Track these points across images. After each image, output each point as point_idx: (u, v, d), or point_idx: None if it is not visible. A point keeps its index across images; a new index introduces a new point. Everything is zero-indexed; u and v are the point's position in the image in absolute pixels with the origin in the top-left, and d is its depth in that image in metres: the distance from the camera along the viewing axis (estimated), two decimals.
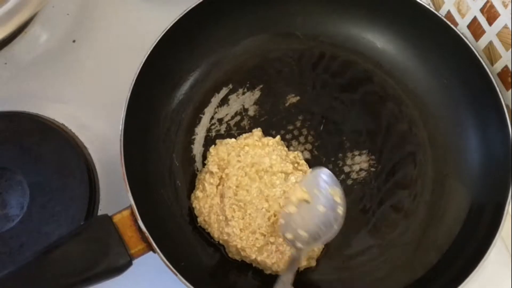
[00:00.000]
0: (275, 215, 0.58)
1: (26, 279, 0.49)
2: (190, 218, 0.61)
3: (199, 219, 0.60)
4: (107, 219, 0.53)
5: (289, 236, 0.55)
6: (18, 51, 0.70)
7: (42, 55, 0.71)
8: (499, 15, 0.60)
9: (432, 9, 0.64)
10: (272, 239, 0.57)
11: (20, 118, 0.65)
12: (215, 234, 0.59)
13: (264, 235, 0.58)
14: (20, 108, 0.66)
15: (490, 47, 0.63)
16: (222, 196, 0.59)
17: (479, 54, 0.61)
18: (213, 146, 0.63)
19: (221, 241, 0.59)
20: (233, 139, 0.63)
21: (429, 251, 0.60)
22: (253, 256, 0.57)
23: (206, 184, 0.60)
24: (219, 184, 0.60)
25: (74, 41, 0.72)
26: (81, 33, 0.72)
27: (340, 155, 0.64)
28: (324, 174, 0.57)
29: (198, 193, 0.60)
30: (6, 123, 0.64)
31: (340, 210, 0.56)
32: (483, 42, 0.63)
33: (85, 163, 0.62)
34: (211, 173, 0.61)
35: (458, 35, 0.62)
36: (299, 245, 0.55)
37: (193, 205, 0.60)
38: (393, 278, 0.59)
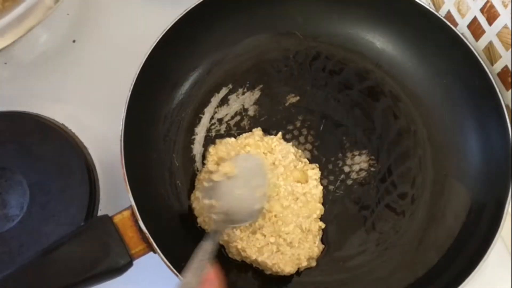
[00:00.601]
0: (275, 216, 0.58)
1: (27, 279, 0.49)
2: (191, 218, 0.60)
3: (199, 220, 0.60)
4: (108, 219, 0.53)
5: (206, 201, 0.56)
6: (18, 51, 0.70)
7: (42, 55, 0.71)
8: (499, 15, 0.60)
9: (432, 10, 0.64)
10: (272, 240, 0.57)
11: (20, 118, 0.64)
12: None
13: (265, 236, 0.58)
14: (20, 108, 0.66)
15: (490, 47, 0.63)
16: None
17: (479, 54, 0.61)
18: (212, 146, 0.63)
19: (221, 242, 0.59)
20: (232, 139, 0.63)
21: (429, 251, 0.60)
22: (254, 257, 0.57)
23: (205, 183, 0.60)
24: None
25: (74, 41, 0.72)
26: (81, 33, 0.72)
27: (340, 155, 0.64)
28: (259, 164, 0.59)
29: (197, 193, 0.60)
30: (6, 123, 0.64)
31: (257, 205, 0.57)
32: (483, 42, 0.63)
33: (85, 163, 0.62)
34: (210, 171, 0.60)
35: (458, 35, 0.62)
36: (214, 216, 0.55)
37: (193, 206, 0.60)
38: (393, 278, 0.59)
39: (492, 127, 0.61)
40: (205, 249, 0.51)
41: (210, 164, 0.61)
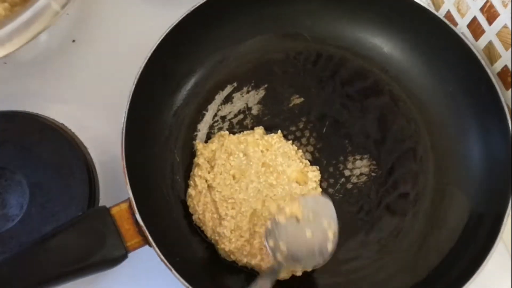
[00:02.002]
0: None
1: (22, 265, 0.49)
2: (187, 213, 0.60)
3: (193, 217, 0.59)
4: (105, 210, 0.53)
5: (270, 243, 0.54)
6: (18, 51, 0.69)
7: (42, 55, 0.71)
8: (499, 14, 0.60)
9: (437, 13, 0.64)
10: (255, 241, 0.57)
11: (20, 118, 0.64)
12: (208, 233, 0.58)
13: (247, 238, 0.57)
14: (20, 108, 0.66)
15: (489, 47, 0.63)
16: (209, 187, 0.59)
17: (479, 54, 0.61)
18: (198, 142, 0.63)
19: (213, 241, 0.58)
20: (226, 132, 0.63)
21: (429, 257, 0.60)
22: (244, 260, 0.57)
23: (196, 179, 0.60)
24: (207, 180, 0.60)
25: (74, 41, 0.72)
26: (81, 33, 0.72)
27: (342, 158, 0.64)
28: (329, 205, 0.56)
29: (190, 191, 0.60)
30: (6, 123, 0.64)
31: (330, 246, 0.54)
32: (482, 42, 0.63)
33: (85, 163, 0.62)
34: (198, 165, 0.60)
35: (467, 45, 0.62)
36: (278, 257, 0.53)
37: (188, 203, 0.60)
38: (392, 281, 0.59)
39: (494, 132, 0.61)
40: (261, 286, 0.50)
41: (197, 157, 0.61)
